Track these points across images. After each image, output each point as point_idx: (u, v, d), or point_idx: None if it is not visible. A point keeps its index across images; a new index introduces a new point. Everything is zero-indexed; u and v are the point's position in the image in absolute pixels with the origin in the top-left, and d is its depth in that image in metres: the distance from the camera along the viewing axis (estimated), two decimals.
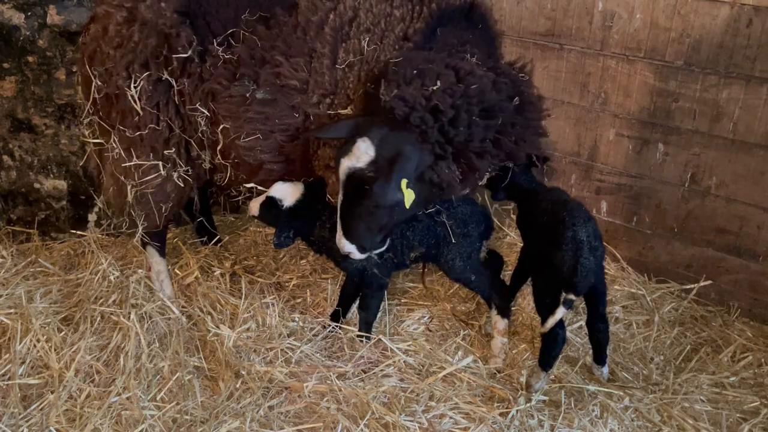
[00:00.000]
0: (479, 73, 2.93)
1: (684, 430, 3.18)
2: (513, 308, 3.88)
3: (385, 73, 3.00)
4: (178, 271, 4.23)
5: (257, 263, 4.48)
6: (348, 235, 3.13)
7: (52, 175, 4.78)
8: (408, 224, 3.50)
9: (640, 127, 3.99)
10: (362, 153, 2.91)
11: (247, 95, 3.32)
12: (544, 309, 3.24)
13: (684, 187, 3.95)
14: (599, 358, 3.49)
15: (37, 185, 4.77)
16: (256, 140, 3.41)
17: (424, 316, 3.99)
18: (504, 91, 2.97)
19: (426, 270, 4.30)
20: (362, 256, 3.22)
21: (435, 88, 2.86)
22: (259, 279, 4.21)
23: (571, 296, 3.12)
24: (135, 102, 3.32)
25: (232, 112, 3.39)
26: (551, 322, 3.17)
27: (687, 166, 3.90)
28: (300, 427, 3.15)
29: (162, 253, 4.01)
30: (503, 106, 2.96)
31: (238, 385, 3.36)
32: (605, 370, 3.51)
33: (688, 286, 4.08)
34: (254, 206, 3.50)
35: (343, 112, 3.27)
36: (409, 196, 2.92)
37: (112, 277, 4.01)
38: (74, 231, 4.75)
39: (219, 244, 4.52)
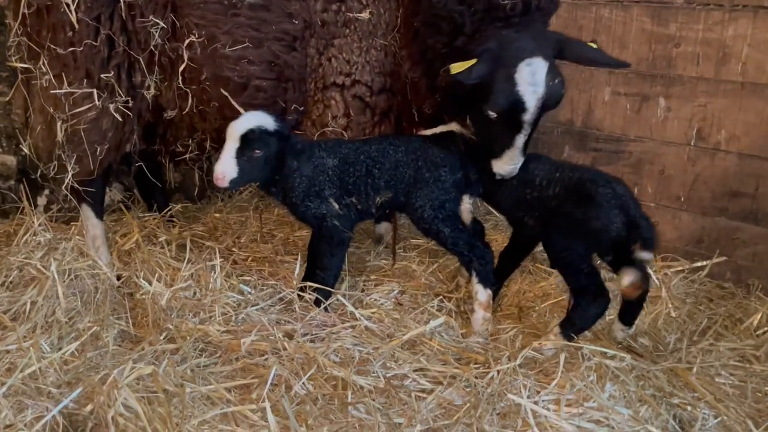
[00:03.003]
0: None
1: (702, 398, 2.59)
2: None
3: None
4: (119, 239, 3.74)
5: (212, 237, 4.00)
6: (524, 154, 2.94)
7: (0, 149, 4.38)
8: (374, 161, 3.08)
9: (639, 81, 3.61)
10: (536, 75, 2.69)
11: (227, 2, 3.08)
12: (581, 276, 2.87)
13: (690, 146, 3.51)
14: (630, 317, 2.96)
15: None
16: (244, 49, 3.12)
17: (394, 290, 3.46)
18: None
19: (396, 244, 3.81)
20: None
21: None
22: (209, 244, 3.71)
23: (645, 254, 2.80)
24: (70, 12, 2.97)
25: (210, 20, 3.09)
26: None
27: (692, 121, 3.48)
28: (229, 384, 2.58)
29: (99, 214, 3.53)
30: None
31: (161, 337, 2.82)
32: (630, 332, 3.00)
33: (699, 264, 3.55)
34: (224, 165, 2.89)
35: (361, 15, 3.13)
36: None
37: (41, 238, 3.53)
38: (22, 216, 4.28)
39: (170, 213, 4.04)
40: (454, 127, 3.15)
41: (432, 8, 2.92)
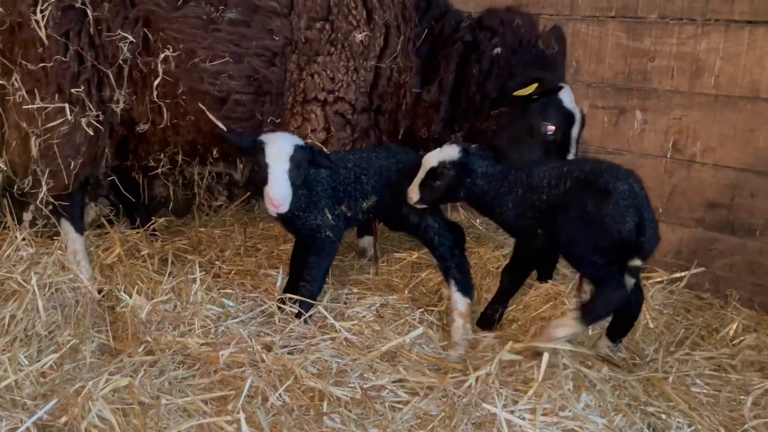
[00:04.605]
0: None
1: (676, 407, 2.61)
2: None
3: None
4: (101, 253, 3.75)
5: (194, 251, 4.01)
6: None
7: None
8: (361, 169, 3.16)
9: (616, 94, 3.66)
10: (571, 97, 3.25)
11: (206, 17, 3.14)
12: (594, 268, 2.76)
13: (666, 158, 3.56)
14: (619, 334, 2.93)
15: None
16: (224, 64, 3.17)
17: (376, 304, 3.47)
18: None
19: (378, 256, 3.85)
20: None
21: None
22: (190, 257, 3.72)
23: (636, 261, 2.69)
24: (40, 29, 3.01)
25: (189, 34, 3.14)
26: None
27: (668, 133, 3.53)
28: (206, 396, 2.58)
29: (78, 228, 3.55)
30: None
31: (140, 350, 2.82)
32: (616, 348, 2.96)
33: (678, 275, 3.58)
34: (283, 189, 2.79)
35: (358, 37, 3.22)
36: None
37: (24, 253, 3.53)
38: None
39: (152, 227, 4.05)
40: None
41: (495, 61, 3.31)
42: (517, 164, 3.05)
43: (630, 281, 2.73)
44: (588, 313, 2.77)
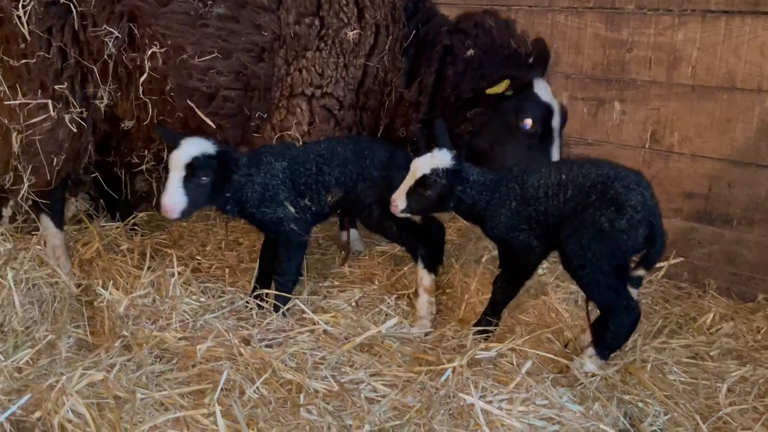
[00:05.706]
0: None
1: (653, 395, 2.62)
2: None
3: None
4: (80, 248, 3.73)
5: (175, 246, 3.99)
6: None
7: None
8: (323, 159, 3.13)
9: (595, 85, 3.67)
10: (548, 89, 3.25)
11: (194, 12, 3.10)
12: (609, 292, 2.63)
13: (645, 148, 3.58)
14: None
15: None
16: (213, 60, 3.14)
17: (354, 296, 3.47)
18: None
19: (348, 252, 3.93)
20: None
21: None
22: (170, 251, 3.70)
23: (641, 271, 2.63)
24: (22, 24, 2.97)
25: (177, 30, 3.10)
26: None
27: (646, 124, 3.55)
28: (183, 390, 2.57)
29: (58, 224, 3.52)
30: None
31: (117, 344, 2.80)
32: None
33: (656, 264, 3.58)
34: (173, 197, 2.78)
35: (349, 35, 3.21)
36: None
37: (1, 248, 3.50)
38: None
39: (132, 221, 4.03)
40: None
41: (469, 62, 3.29)
42: (509, 173, 2.84)
43: (633, 291, 2.69)
44: (605, 347, 2.72)
